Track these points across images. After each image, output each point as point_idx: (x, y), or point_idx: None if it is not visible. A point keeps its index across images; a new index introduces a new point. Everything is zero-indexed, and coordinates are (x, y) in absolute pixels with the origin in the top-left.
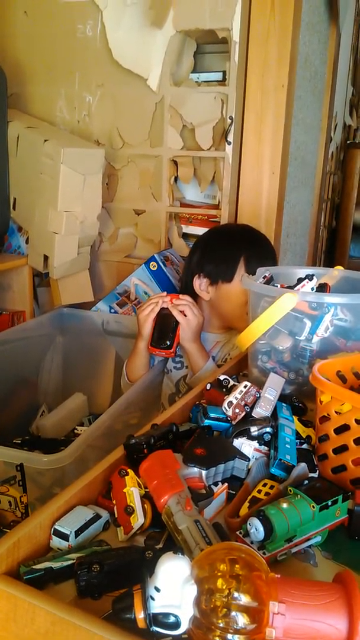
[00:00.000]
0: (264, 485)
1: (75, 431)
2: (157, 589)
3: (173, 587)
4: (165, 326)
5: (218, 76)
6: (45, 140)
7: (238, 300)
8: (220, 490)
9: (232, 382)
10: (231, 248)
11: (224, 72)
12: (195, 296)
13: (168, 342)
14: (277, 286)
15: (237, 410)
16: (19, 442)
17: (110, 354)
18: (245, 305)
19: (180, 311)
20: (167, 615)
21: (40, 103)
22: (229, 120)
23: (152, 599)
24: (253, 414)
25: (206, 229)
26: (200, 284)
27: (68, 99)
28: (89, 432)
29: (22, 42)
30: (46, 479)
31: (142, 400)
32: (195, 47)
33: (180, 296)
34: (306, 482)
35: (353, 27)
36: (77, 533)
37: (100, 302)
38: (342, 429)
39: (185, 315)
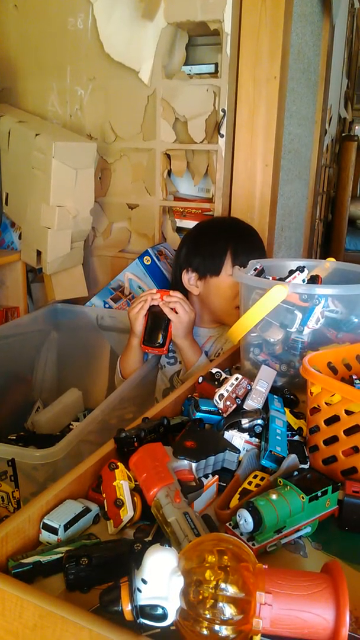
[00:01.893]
0: (255, 477)
1: (71, 427)
2: (144, 581)
3: (160, 579)
4: (157, 324)
5: (210, 68)
6: (36, 135)
7: (226, 294)
8: (211, 482)
9: (224, 375)
10: (217, 242)
11: (216, 65)
12: (185, 291)
13: (160, 341)
14: (268, 278)
15: (228, 403)
16: (14, 437)
17: (105, 349)
18: (234, 299)
19: (172, 308)
20: (154, 607)
21: (32, 97)
22: (221, 113)
23: (139, 591)
24: (244, 407)
25: None
26: (189, 278)
27: (60, 92)
28: (81, 427)
29: (13, 36)
30: (40, 474)
31: (136, 395)
32: (187, 40)
33: (171, 292)
34: (296, 473)
35: (347, 19)
36: (67, 527)
37: (95, 297)
38: (333, 420)
39: (176, 313)
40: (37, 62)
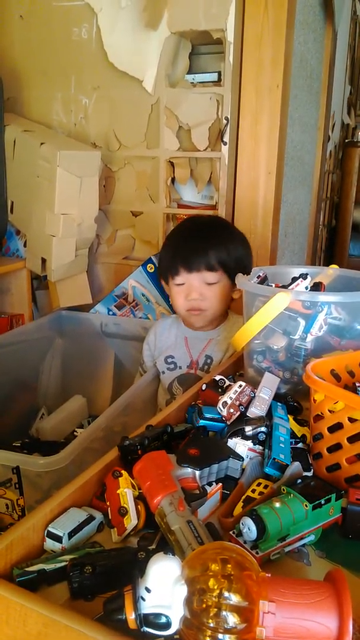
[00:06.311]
0: (258, 484)
1: (75, 434)
2: (148, 590)
3: (163, 588)
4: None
5: (213, 77)
6: (41, 144)
7: (173, 301)
8: (214, 490)
9: (227, 382)
10: (164, 251)
11: (219, 73)
12: None
13: None
14: (271, 286)
15: (231, 410)
16: (19, 445)
17: (109, 356)
18: (180, 305)
19: None
20: (158, 615)
21: (37, 106)
22: (224, 121)
23: (143, 599)
24: (248, 414)
25: None
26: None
27: (64, 102)
28: (85, 434)
29: (18, 46)
30: (45, 482)
31: (140, 402)
32: (190, 48)
33: None
34: (299, 481)
35: (349, 25)
36: (71, 535)
37: (99, 304)
38: (336, 427)
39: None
40: (42, 72)
